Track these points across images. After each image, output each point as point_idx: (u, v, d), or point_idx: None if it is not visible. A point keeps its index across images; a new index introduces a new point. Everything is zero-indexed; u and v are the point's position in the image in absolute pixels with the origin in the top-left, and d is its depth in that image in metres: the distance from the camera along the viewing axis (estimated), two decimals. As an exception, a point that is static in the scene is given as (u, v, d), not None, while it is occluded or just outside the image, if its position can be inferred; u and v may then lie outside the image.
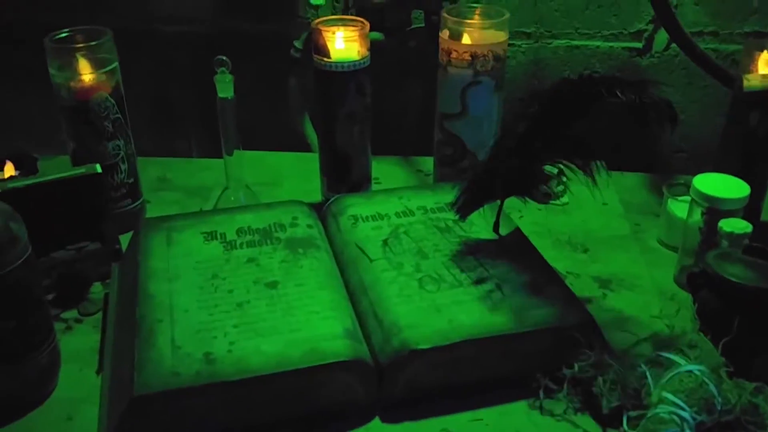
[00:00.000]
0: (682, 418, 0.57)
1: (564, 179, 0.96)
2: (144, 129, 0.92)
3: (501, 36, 0.86)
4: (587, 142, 0.71)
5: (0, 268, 0.61)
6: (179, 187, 1.02)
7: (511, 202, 0.92)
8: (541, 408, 0.65)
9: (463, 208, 0.77)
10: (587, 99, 0.69)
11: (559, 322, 0.66)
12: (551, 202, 0.96)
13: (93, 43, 0.84)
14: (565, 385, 0.65)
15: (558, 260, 0.83)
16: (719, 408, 0.60)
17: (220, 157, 1.07)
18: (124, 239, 0.84)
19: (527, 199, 0.76)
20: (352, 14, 1.01)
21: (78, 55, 0.83)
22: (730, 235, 0.74)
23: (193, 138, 1.21)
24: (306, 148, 1.13)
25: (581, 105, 0.69)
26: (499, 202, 0.78)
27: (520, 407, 0.66)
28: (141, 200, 0.93)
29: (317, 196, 0.95)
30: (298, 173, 1.04)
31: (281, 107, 1.13)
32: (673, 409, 0.58)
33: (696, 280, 0.72)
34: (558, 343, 0.66)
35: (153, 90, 1.14)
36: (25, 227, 0.64)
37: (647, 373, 0.62)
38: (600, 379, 0.63)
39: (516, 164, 0.73)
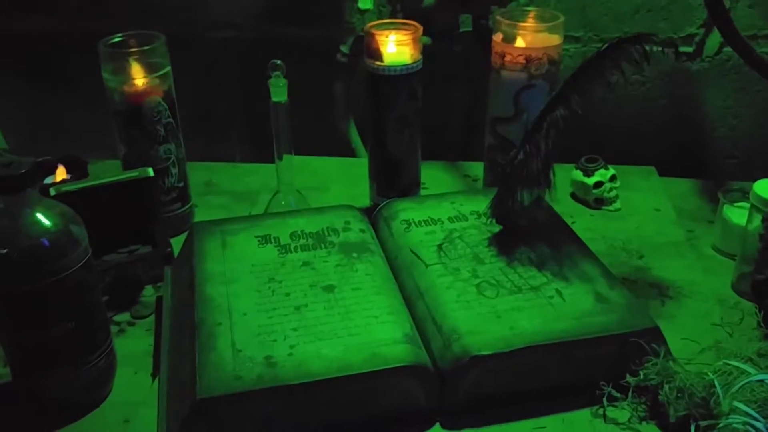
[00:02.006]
0: (757, 429, 0.55)
1: (616, 184, 0.95)
2: (188, 134, 0.92)
3: (555, 39, 0.85)
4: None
5: (61, 270, 0.61)
6: (226, 191, 1.02)
7: (564, 208, 0.92)
8: (604, 416, 0.64)
9: (492, 208, 0.77)
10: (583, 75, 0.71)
11: (623, 329, 0.65)
12: (603, 207, 0.95)
13: (146, 47, 0.84)
14: (630, 393, 0.64)
15: (614, 266, 0.81)
16: (793, 419, 0.58)
17: (263, 161, 1.07)
18: (174, 243, 0.85)
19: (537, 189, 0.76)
20: (400, 18, 1.01)
21: (131, 60, 0.84)
22: (795, 242, 0.72)
23: (236, 143, 1.22)
24: (351, 153, 1.13)
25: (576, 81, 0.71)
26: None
27: (583, 415, 0.64)
28: (190, 204, 0.93)
29: (364, 201, 0.94)
30: (344, 178, 1.04)
31: (326, 112, 1.12)
32: (746, 419, 0.57)
33: (762, 288, 0.70)
34: (621, 349, 0.64)
35: (197, 95, 1.14)
36: (85, 230, 0.64)
37: (715, 382, 0.60)
38: (666, 387, 0.62)
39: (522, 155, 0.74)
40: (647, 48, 0.69)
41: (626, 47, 0.70)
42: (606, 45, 0.71)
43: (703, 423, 0.59)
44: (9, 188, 0.60)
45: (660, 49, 0.70)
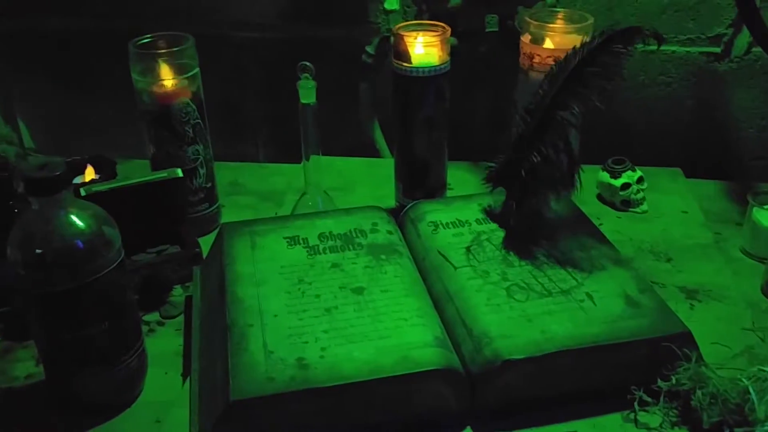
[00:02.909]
0: (793, 436, 0.55)
1: (643, 186, 0.94)
2: (212, 133, 0.92)
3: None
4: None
5: (95, 271, 0.62)
6: (252, 191, 1.02)
7: (591, 210, 0.91)
8: (636, 421, 0.64)
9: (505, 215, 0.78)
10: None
11: (654, 333, 0.65)
12: (630, 209, 0.94)
13: (175, 48, 0.84)
14: (662, 398, 0.64)
15: (641, 269, 0.81)
16: (829, 426, 0.58)
17: (287, 161, 1.07)
18: (201, 243, 0.85)
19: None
20: (425, 19, 1.01)
21: (160, 61, 0.84)
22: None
23: (260, 142, 1.22)
24: (375, 153, 1.13)
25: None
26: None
27: (614, 420, 0.64)
28: (217, 204, 0.94)
29: (389, 202, 0.94)
30: (368, 179, 1.04)
31: (351, 112, 1.12)
32: (782, 426, 0.56)
33: (794, 292, 0.70)
34: (653, 354, 0.64)
35: (222, 95, 1.15)
36: (118, 231, 0.64)
37: (750, 388, 0.60)
38: (699, 392, 0.62)
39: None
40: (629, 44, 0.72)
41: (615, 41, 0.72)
42: (597, 39, 0.72)
43: (738, 430, 0.58)
44: (44, 190, 0.60)
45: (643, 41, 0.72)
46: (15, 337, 0.75)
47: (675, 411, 0.64)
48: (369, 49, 1.05)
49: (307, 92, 0.82)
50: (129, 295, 0.67)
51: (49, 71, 1.20)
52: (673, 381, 0.63)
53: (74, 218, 0.62)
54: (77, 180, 0.92)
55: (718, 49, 1.06)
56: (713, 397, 0.61)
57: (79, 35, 1.16)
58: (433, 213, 0.82)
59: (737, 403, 0.60)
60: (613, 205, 0.95)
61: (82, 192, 0.80)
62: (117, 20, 1.13)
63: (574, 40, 0.84)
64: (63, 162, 0.61)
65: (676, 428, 0.63)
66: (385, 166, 0.98)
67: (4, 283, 0.76)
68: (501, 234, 0.78)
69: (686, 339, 0.65)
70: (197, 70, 0.86)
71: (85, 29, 1.15)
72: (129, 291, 0.67)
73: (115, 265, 0.63)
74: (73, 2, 1.15)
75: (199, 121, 0.87)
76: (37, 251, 0.61)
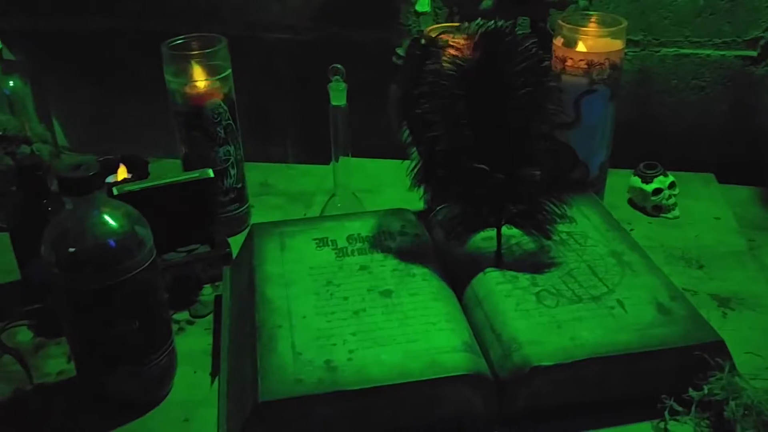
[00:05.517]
0: (829, 450, 0.54)
1: (675, 192, 0.93)
2: (242, 134, 0.93)
3: (618, 44, 0.83)
4: None
5: (127, 270, 0.62)
6: (281, 192, 1.03)
7: (622, 215, 0.90)
8: (666, 431, 0.63)
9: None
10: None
11: (687, 342, 0.64)
12: (662, 215, 0.93)
13: (208, 50, 0.85)
14: (693, 408, 0.63)
15: (673, 276, 0.79)
16: None
17: (315, 162, 1.08)
18: (231, 243, 0.86)
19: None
20: (456, 21, 1.00)
21: (193, 62, 0.85)
22: None
23: (289, 143, 1.23)
24: (404, 155, 1.12)
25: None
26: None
27: (644, 429, 0.63)
28: (247, 205, 0.94)
29: (418, 204, 0.93)
30: (397, 181, 1.03)
31: (380, 114, 1.12)
32: (818, 439, 0.55)
33: (831, 302, 0.68)
34: (685, 363, 0.63)
35: (251, 95, 1.16)
36: (150, 231, 0.65)
37: (785, 400, 0.59)
38: (732, 403, 0.61)
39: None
40: None
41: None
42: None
43: (772, 442, 0.57)
44: (78, 190, 0.61)
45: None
46: (47, 333, 0.76)
47: (707, 422, 0.63)
48: (399, 50, 1.05)
49: (338, 94, 0.82)
50: (160, 294, 0.67)
51: (83, 70, 1.22)
52: (706, 391, 0.62)
53: (107, 218, 0.63)
54: (110, 179, 0.93)
55: (754, 53, 1.04)
56: (747, 409, 0.60)
57: (113, 35, 1.17)
58: (462, 216, 0.81)
59: (772, 415, 0.59)
60: (644, 211, 0.94)
61: (115, 191, 0.81)
62: (151, 20, 1.14)
63: (608, 43, 0.84)
64: (97, 162, 0.62)
65: (707, 439, 0.62)
66: (414, 168, 0.97)
67: (37, 280, 0.77)
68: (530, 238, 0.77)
69: (719, 348, 0.64)
70: (230, 71, 0.87)
71: (119, 29, 1.17)
72: (161, 290, 0.67)
73: (147, 264, 0.64)
74: (108, 2, 1.16)
75: (231, 122, 0.88)
76: (71, 250, 0.62)
